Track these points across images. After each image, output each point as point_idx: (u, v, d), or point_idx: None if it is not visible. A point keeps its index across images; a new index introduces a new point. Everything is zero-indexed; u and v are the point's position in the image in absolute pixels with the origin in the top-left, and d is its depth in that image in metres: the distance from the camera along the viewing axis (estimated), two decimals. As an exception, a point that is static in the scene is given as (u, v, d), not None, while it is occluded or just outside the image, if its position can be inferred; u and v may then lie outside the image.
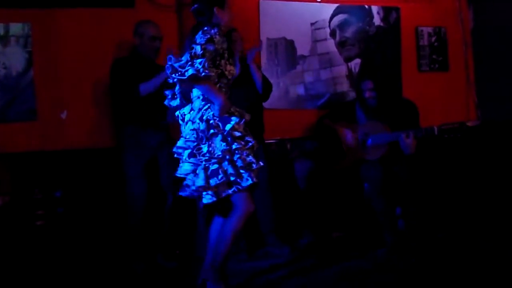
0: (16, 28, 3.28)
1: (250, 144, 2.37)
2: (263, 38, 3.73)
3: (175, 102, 2.49)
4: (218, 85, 2.39)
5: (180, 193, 2.49)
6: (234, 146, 2.32)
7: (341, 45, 4.01)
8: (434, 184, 3.57)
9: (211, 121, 2.34)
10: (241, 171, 2.32)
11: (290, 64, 3.85)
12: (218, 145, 2.31)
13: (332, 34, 3.99)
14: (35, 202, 3.20)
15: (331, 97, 3.93)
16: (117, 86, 3.09)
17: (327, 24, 3.96)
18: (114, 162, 3.19)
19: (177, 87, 2.49)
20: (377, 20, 4.11)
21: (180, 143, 2.43)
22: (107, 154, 3.23)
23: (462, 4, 4.32)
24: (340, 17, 4.00)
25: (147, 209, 3.09)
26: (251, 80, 3.29)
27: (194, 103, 2.42)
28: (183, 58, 2.31)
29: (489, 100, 4.21)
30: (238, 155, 2.32)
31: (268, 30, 3.78)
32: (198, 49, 2.28)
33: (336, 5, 3.98)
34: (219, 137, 2.32)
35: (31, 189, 3.22)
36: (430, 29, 4.27)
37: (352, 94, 3.94)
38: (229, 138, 2.32)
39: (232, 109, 2.41)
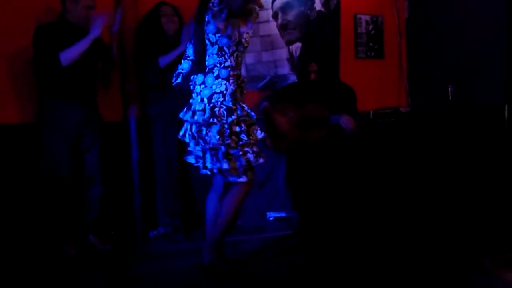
0: None
1: (245, 141, 2.34)
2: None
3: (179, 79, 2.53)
4: (235, 53, 2.37)
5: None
6: (226, 141, 2.31)
7: (282, 28, 4.02)
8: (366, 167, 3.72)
9: (215, 109, 2.31)
10: (237, 167, 2.35)
11: (232, 44, 3.80)
12: (213, 137, 2.31)
13: (274, 16, 3.99)
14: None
15: (272, 79, 3.95)
16: (38, 56, 2.85)
17: (270, 5, 3.96)
18: (38, 138, 2.97)
19: (181, 66, 2.52)
20: (318, 5, 4.16)
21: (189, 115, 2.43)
22: (33, 130, 3.01)
23: (398, -6, 4.49)
24: (282, 0, 4.01)
25: (76, 189, 2.94)
26: None
27: (207, 77, 2.37)
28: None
29: (420, 88, 4.43)
30: (235, 151, 2.33)
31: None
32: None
33: (279, -13, 3.98)
34: (217, 127, 2.31)
35: None
36: (367, 17, 4.39)
37: (292, 77, 3.99)
38: (227, 131, 2.30)
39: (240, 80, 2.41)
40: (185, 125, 2.49)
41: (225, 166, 2.34)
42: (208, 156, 2.39)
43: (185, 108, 2.45)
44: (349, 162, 3.36)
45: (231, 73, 2.36)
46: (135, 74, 3.33)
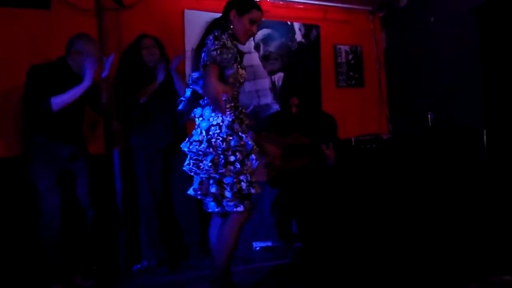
0: None
1: (238, 169, 2.32)
2: (188, 48, 3.70)
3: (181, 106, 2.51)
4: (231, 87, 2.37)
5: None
6: (220, 171, 2.30)
7: (264, 58, 4.10)
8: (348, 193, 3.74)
9: (212, 140, 2.31)
10: (226, 196, 2.33)
11: (214, 75, 3.85)
12: (206, 165, 2.31)
13: (256, 47, 4.07)
14: None
15: (255, 108, 3.99)
16: (29, 97, 2.81)
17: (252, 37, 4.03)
18: (23, 172, 2.92)
19: (185, 94, 2.51)
20: (298, 36, 4.26)
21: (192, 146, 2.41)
22: (18, 163, 2.97)
23: (376, 25, 4.63)
24: (264, 32, 4.10)
25: (64, 225, 2.88)
26: (175, 89, 3.25)
27: (204, 110, 2.38)
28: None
29: (400, 115, 4.52)
30: (229, 179, 2.32)
31: (193, 40, 3.74)
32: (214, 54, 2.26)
33: (260, 19, 4.06)
34: (211, 156, 2.31)
35: None
36: (347, 47, 4.51)
37: (275, 107, 4.03)
38: (221, 161, 2.30)
39: (238, 112, 2.39)
40: (188, 156, 2.47)
41: (213, 190, 2.33)
42: (196, 182, 2.40)
43: (187, 139, 2.45)
44: (332, 189, 3.38)
45: (227, 105, 2.36)
46: (116, 106, 3.34)
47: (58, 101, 2.75)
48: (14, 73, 2.95)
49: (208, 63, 2.26)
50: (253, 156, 2.38)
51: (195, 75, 2.39)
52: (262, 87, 4.06)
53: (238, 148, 2.34)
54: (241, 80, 2.44)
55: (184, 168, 2.44)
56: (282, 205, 3.43)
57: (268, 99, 4.07)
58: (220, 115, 2.34)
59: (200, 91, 2.39)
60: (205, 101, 2.41)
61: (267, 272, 3.07)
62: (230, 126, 2.34)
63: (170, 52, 3.34)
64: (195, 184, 2.40)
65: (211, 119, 2.36)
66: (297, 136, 3.48)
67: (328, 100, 4.31)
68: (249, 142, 2.38)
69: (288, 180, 3.40)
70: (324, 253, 3.33)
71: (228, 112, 2.35)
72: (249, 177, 2.36)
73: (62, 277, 2.85)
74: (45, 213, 2.81)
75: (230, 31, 2.40)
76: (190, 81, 2.52)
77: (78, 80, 2.84)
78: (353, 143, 3.29)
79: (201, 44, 2.41)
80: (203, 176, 2.37)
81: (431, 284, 2.58)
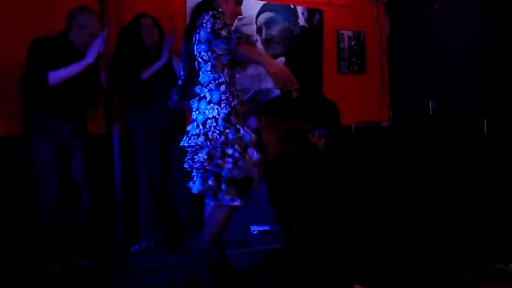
0: None
1: (237, 156, 2.29)
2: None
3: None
4: (228, 67, 2.35)
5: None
6: (215, 162, 2.28)
7: (266, 42, 4.06)
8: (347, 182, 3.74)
9: (209, 133, 2.28)
10: (222, 189, 2.31)
11: (216, 58, 3.82)
12: (202, 157, 2.29)
13: (258, 31, 4.04)
14: None
15: (256, 93, 3.97)
16: (29, 70, 2.79)
17: (254, 20, 4.00)
18: (23, 152, 2.93)
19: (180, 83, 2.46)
20: (301, 21, 4.22)
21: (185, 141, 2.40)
22: (18, 142, 2.96)
23: (380, 11, 4.57)
24: (266, 15, 4.06)
25: (61, 203, 2.89)
26: (172, 69, 3.23)
27: (200, 103, 2.35)
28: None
29: (401, 102, 4.50)
30: (225, 172, 2.29)
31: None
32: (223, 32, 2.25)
33: (263, 2, 4.03)
34: (208, 149, 2.29)
35: None
36: (350, 33, 4.47)
37: (276, 91, 4.01)
38: (218, 153, 2.28)
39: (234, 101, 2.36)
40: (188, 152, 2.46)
41: (210, 182, 2.32)
42: (199, 177, 2.38)
43: (185, 136, 2.42)
44: (327, 175, 3.38)
45: (223, 97, 2.32)
46: (114, 86, 3.31)
47: (56, 76, 2.72)
48: (14, 50, 2.91)
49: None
50: (252, 149, 2.34)
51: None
52: (264, 71, 3.95)
53: (236, 141, 2.31)
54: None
55: (185, 166, 2.42)
56: (280, 190, 3.44)
57: (269, 83, 4.03)
58: (215, 107, 2.31)
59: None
60: (202, 93, 2.37)
61: (264, 256, 3.10)
62: (226, 119, 2.31)
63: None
64: (199, 185, 2.37)
65: (206, 111, 2.32)
66: (297, 121, 3.47)
67: (329, 86, 4.28)
68: (247, 135, 2.35)
69: (286, 166, 3.40)
70: (320, 238, 3.35)
71: (224, 104, 2.32)
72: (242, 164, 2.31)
73: (60, 256, 2.87)
74: (42, 191, 2.81)
75: (220, 12, 2.35)
76: (182, 72, 2.46)
77: (79, 54, 2.82)
78: (353, 130, 3.28)
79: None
80: (200, 170, 2.36)
81: (427, 271, 2.61)
